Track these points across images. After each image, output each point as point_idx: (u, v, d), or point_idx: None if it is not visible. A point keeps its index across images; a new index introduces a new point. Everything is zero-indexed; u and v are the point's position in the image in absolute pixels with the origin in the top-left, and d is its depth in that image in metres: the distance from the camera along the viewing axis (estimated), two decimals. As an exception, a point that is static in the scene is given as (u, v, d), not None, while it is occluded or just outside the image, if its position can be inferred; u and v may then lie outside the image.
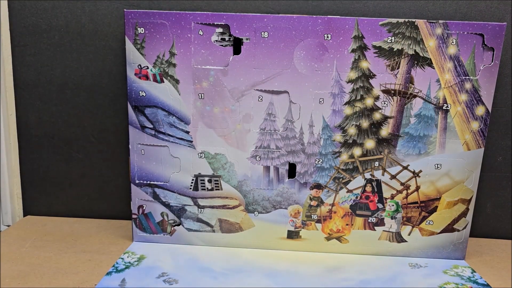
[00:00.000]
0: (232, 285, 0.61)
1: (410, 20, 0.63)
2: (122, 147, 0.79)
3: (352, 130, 0.67)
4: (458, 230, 0.69)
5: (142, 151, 0.68)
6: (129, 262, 0.66)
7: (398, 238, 0.70)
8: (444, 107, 0.65)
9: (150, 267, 0.65)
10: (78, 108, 0.79)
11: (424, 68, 0.64)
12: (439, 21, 0.63)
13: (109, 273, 0.62)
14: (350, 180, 0.68)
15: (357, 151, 0.67)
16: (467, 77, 0.64)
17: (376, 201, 0.69)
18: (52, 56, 0.77)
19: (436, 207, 0.69)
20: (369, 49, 0.64)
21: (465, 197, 0.68)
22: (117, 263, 0.65)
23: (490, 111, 0.65)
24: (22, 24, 0.77)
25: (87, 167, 0.82)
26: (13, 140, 0.80)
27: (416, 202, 0.69)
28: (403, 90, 0.65)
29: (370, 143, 0.67)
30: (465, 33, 0.63)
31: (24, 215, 0.84)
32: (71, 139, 0.81)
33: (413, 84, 0.65)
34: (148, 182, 0.70)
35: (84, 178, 0.82)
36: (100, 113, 0.79)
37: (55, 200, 0.84)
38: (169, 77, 0.66)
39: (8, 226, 0.82)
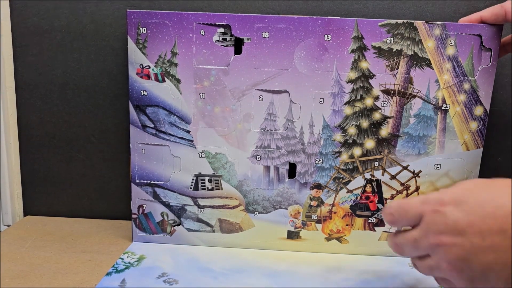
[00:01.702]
0: (233, 285, 0.61)
1: (409, 21, 0.63)
2: (122, 147, 0.79)
3: (352, 130, 0.67)
4: (458, 230, 0.70)
5: (143, 150, 0.69)
6: (129, 262, 0.66)
7: (398, 238, 0.70)
8: (443, 108, 0.66)
9: (150, 267, 0.65)
10: (79, 108, 0.79)
11: (423, 68, 0.65)
12: (438, 22, 0.63)
13: (109, 274, 0.62)
14: (350, 180, 0.69)
15: (357, 151, 0.68)
16: (466, 78, 0.64)
17: (376, 202, 0.69)
18: (54, 57, 0.78)
19: (436, 207, 0.69)
20: (369, 49, 0.64)
21: (464, 197, 0.68)
22: (117, 263, 0.65)
23: (488, 111, 0.65)
24: (23, 24, 0.77)
25: (87, 167, 0.82)
26: (14, 140, 0.81)
27: (416, 202, 0.69)
28: (402, 90, 0.66)
29: (370, 143, 0.67)
30: (463, 34, 0.63)
31: (24, 215, 0.84)
32: (72, 139, 0.81)
33: (412, 85, 0.65)
34: (149, 181, 0.70)
35: (84, 178, 0.82)
36: (101, 113, 0.79)
37: (55, 200, 0.84)
38: (170, 77, 0.66)
39: (8, 226, 0.82)
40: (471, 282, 0.47)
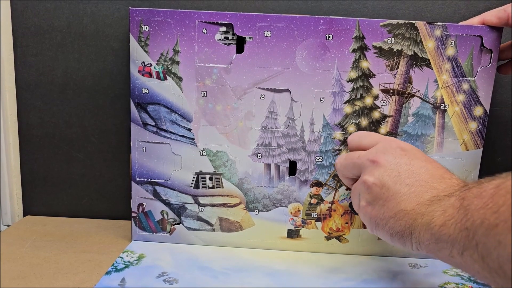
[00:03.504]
0: (233, 285, 0.60)
1: (410, 21, 0.64)
2: (122, 148, 0.80)
3: (351, 128, 0.67)
4: (457, 230, 0.70)
5: (144, 148, 0.69)
6: (129, 261, 0.65)
7: (398, 237, 0.70)
8: (441, 107, 0.66)
9: (149, 266, 0.64)
10: (79, 109, 0.79)
11: (422, 68, 0.65)
12: (438, 23, 0.64)
13: (108, 273, 0.62)
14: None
15: (357, 150, 0.68)
16: (465, 78, 0.65)
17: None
18: (54, 57, 0.78)
19: (435, 206, 0.69)
20: (370, 49, 0.65)
21: (464, 196, 0.68)
22: (116, 262, 0.65)
23: (488, 112, 0.66)
24: (24, 24, 0.77)
25: (87, 167, 0.82)
26: (14, 140, 0.80)
27: (416, 201, 0.69)
28: (401, 89, 0.66)
29: (369, 142, 0.68)
30: (464, 34, 0.64)
31: (24, 215, 0.84)
32: (72, 139, 0.81)
33: (411, 84, 0.66)
34: (149, 179, 0.70)
35: (84, 178, 0.82)
36: (101, 114, 0.79)
37: (55, 200, 0.83)
38: (172, 75, 0.66)
39: (8, 226, 0.81)
40: (373, 205, 0.53)
